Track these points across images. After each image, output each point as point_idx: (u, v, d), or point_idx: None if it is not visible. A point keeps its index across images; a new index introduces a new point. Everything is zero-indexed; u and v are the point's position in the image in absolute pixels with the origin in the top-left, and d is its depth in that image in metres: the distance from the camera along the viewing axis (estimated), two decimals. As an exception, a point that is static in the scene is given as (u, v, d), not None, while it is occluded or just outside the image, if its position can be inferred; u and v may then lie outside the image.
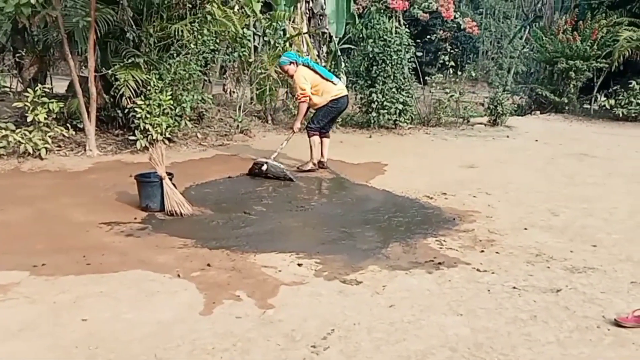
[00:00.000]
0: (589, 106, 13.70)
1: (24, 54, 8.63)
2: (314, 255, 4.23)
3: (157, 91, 7.54)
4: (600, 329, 3.23)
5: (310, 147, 7.08)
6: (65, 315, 3.27)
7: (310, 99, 6.94)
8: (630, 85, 12.24)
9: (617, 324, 3.26)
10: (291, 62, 7.00)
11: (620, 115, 12.38)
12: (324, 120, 7.08)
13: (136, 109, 7.43)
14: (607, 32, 12.82)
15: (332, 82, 7.00)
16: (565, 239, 4.76)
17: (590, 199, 6.04)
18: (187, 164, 7.18)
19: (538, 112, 13.75)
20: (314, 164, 7.09)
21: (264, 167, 6.59)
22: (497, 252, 4.39)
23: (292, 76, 7.05)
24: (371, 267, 4.03)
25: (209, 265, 3.99)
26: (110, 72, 7.55)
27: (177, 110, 7.77)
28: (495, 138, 10.04)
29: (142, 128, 7.46)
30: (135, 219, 5.05)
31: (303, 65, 7.03)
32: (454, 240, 4.66)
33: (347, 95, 7.13)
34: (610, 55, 12.57)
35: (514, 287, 3.74)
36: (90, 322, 3.19)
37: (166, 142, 7.66)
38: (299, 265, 4.04)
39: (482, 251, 4.41)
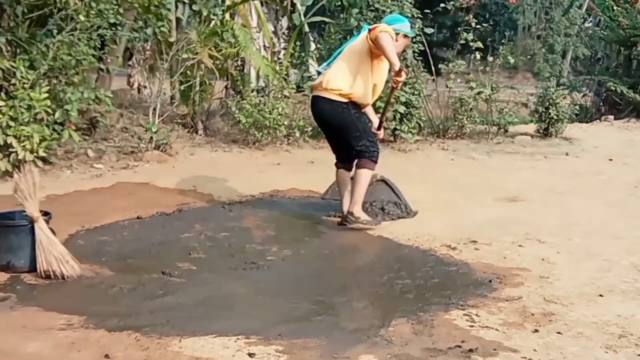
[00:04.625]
0: (688, 109, 14.03)
1: None
2: (274, 340, 4.15)
3: (25, 86, 7.52)
4: None
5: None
6: None
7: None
8: None
9: None
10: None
11: None
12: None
13: (-8, 112, 7.40)
14: None
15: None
16: (662, 310, 4.77)
17: (697, 249, 6.09)
18: (72, 198, 7.14)
19: (611, 116, 14.01)
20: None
21: None
22: (558, 333, 4.36)
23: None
24: (364, 357, 3.96)
25: (107, 357, 3.89)
26: (-50, 56, 7.53)
27: (56, 115, 7.77)
28: (548, 156, 10.18)
29: (1, 142, 7.41)
30: (-11, 284, 4.97)
31: None
32: (491, 314, 4.62)
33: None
34: None
35: (588, 386, 3.72)
36: None
37: (40, 163, 7.62)
38: (251, 355, 3.96)
39: (536, 330, 4.38)
